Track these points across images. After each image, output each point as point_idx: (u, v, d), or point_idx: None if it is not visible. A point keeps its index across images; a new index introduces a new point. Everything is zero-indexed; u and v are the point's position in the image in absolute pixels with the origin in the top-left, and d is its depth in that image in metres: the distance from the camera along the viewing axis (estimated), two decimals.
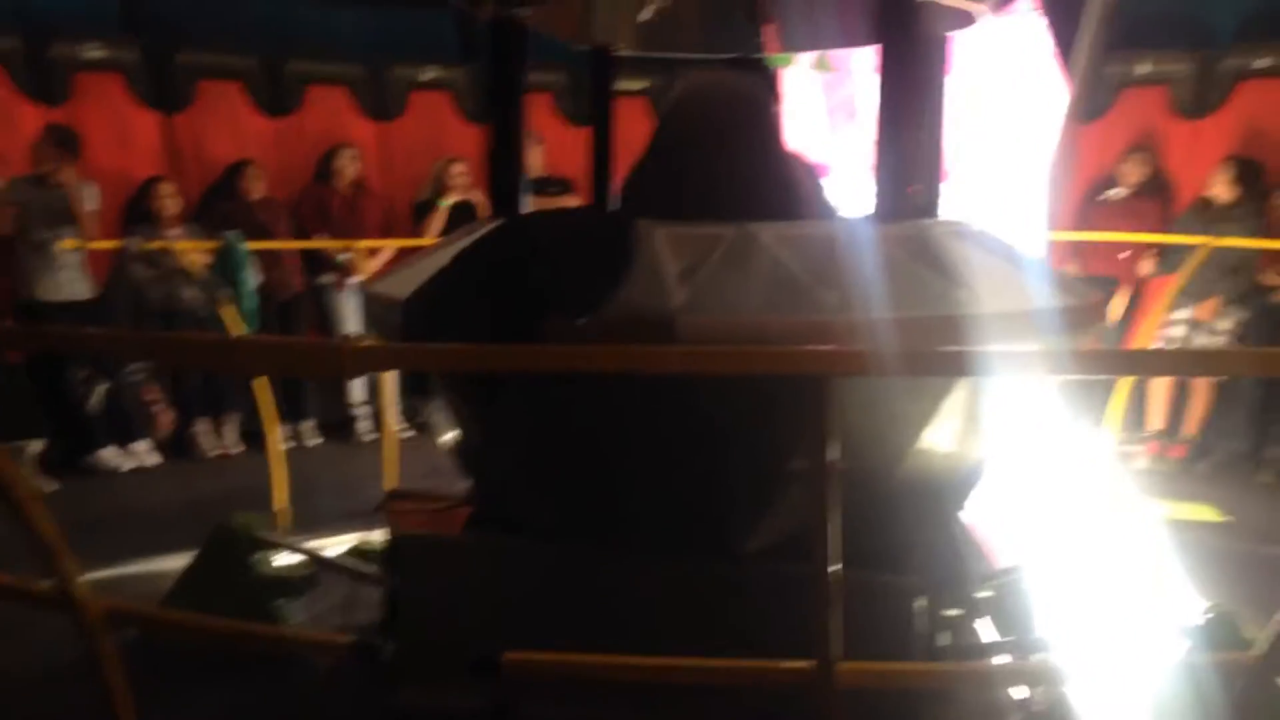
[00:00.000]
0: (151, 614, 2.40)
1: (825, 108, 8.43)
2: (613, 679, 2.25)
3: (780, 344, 2.35)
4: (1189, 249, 6.02)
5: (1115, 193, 7.21)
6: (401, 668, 2.55)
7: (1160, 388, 6.83)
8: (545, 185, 7.51)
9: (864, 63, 7.65)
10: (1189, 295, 6.48)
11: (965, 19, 3.42)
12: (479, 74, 7.98)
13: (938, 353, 2.06)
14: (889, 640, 2.64)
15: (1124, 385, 5.74)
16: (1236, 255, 6.46)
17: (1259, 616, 2.65)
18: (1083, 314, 3.10)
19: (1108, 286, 6.95)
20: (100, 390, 6.27)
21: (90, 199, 6.49)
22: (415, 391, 6.66)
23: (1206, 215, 6.69)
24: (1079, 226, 7.28)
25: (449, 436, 3.39)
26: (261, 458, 5.47)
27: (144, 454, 6.64)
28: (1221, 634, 2.67)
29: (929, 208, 3.50)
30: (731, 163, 3.12)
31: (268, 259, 6.92)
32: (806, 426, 1.85)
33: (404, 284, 3.17)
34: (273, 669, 3.13)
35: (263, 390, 5.40)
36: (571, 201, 7.37)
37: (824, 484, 1.83)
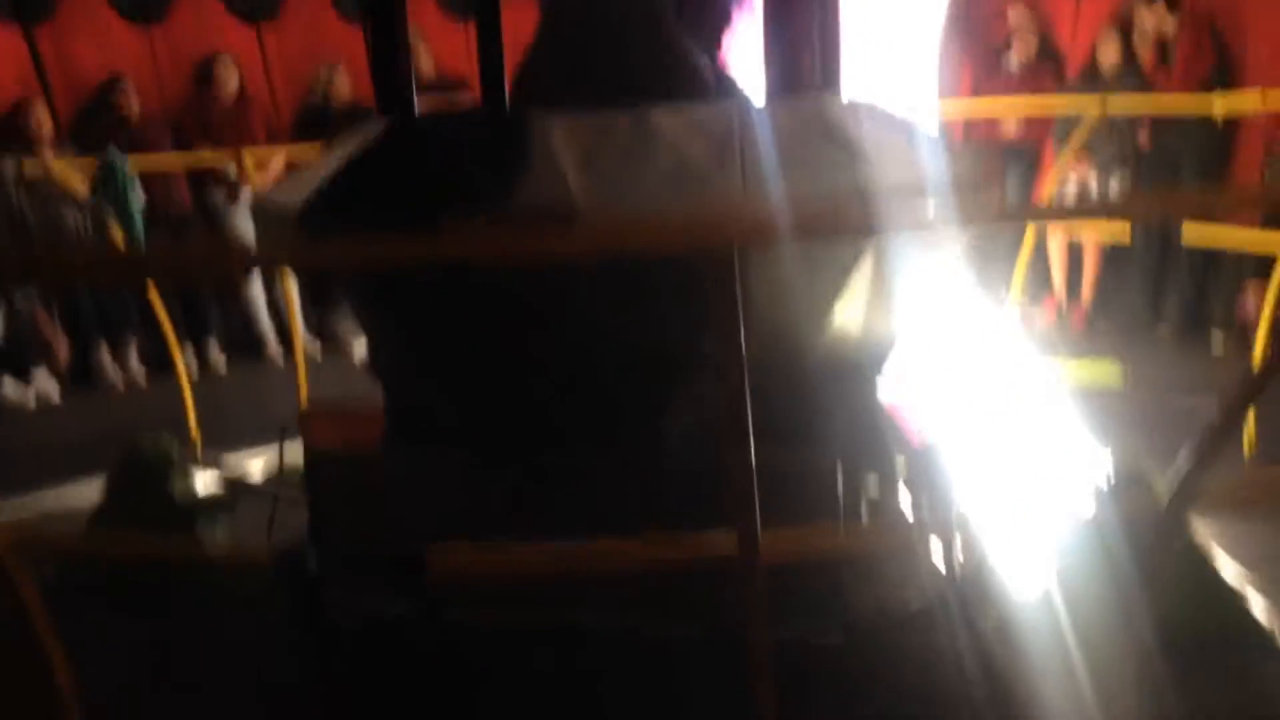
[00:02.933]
0: (64, 541, 2.34)
1: None
2: (539, 573, 2.26)
3: None
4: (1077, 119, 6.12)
5: (1009, 61, 7.30)
6: (327, 578, 2.53)
7: (1057, 253, 7.00)
8: (438, 87, 7.31)
9: None
10: (1078, 158, 6.64)
11: None
12: None
13: (839, 212, 2.06)
14: (810, 515, 2.69)
15: (1024, 252, 5.85)
16: (1120, 118, 6.58)
17: (1165, 466, 2.75)
18: (980, 181, 3.13)
19: (1016, 154, 7.08)
20: None
21: None
22: (319, 303, 6.54)
23: (1092, 81, 6.81)
24: (978, 95, 7.36)
25: (358, 347, 3.34)
26: (167, 382, 5.32)
27: (43, 382, 6.41)
28: (1129, 484, 2.76)
29: (829, 82, 3.47)
30: (622, 48, 3.06)
31: (152, 178, 6.66)
32: (716, 305, 1.84)
33: (296, 192, 3.07)
34: (196, 598, 3.08)
35: (162, 312, 5.24)
36: (466, 101, 7.20)
37: (736, 362, 1.83)
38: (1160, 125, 6.66)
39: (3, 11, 7.07)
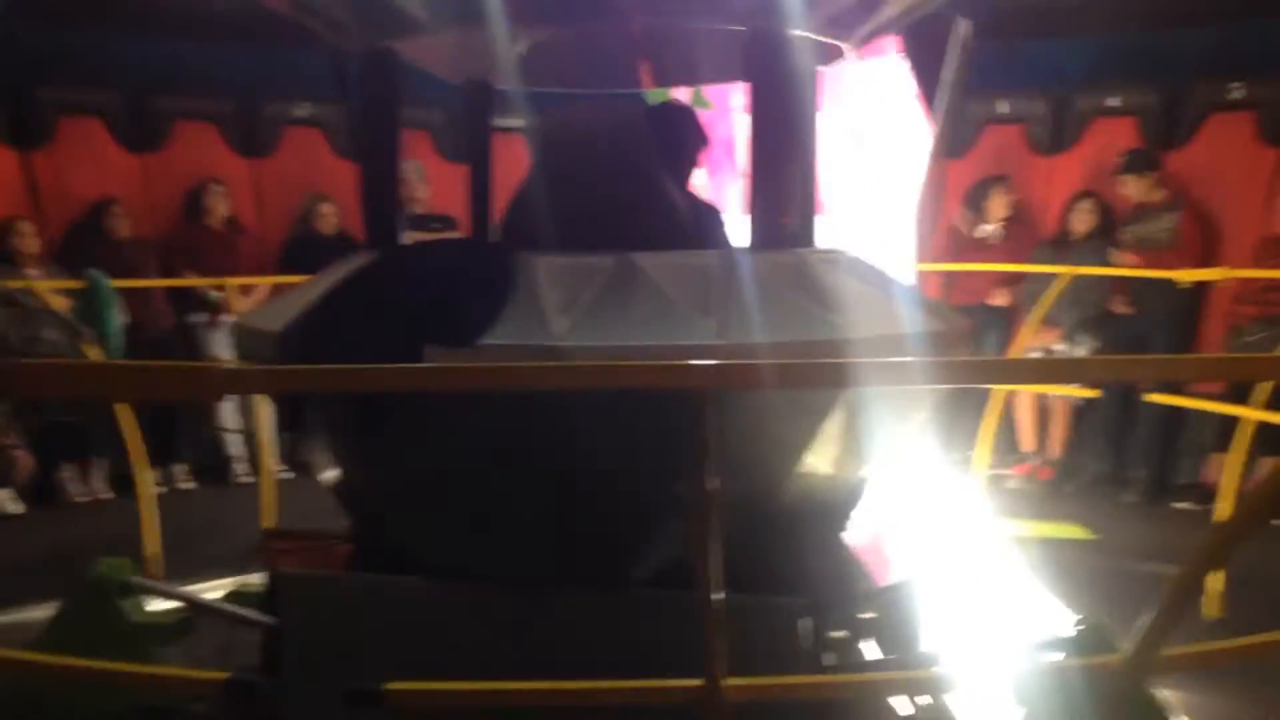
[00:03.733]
0: (13, 657, 2.29)
1: None
2: (500, 706, 2.23)
3: None
4: (1048, 281, 6.29)
5: (986, 229, 7.47)
6: (280, 703, 2.48)
7: (1026, 412, 7.09)
8: (427, 222, 7.46)
9: (741, 100, 7.82)
10: (1046, 324, 6.78)
11: (833, 53, 3.52)
12: (352, 108, 7.90)
13: (812, 364, 2.11)
14: (776, 661, 2.67)
15: (993, 410, 5.93)
16: (1084, 283, 6.76)
17: (1128, 629, 2.76)
18: (953, 338, 3.21)
19: (993, 314, 7.22)
20: None
21: None
22: (291, 428, 6.54)
23: (1061, 247, 7.01)
24: (953, 260, 7.55)
25: (328, 474, 3.33)
26: (133, 504, 5.27)
27: (5, 501, 6.34)
28: (1092, 644, 2.76)
29: (804, 238, 3.58)
30: (608, 193, 3.15)
31: (136, 299, 6.72)
32: (686, 449, 1.87)
33: (278, 316, 3.11)
34: None
35: (131, 430, 5.21)
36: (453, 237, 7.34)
37: (704, 506, 1.85)
38: (1132, 296, 6.83)
39: (3, 138, 7.22)
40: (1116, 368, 2.40)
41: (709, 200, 3.59)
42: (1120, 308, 6.83)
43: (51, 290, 6.15)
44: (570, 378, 1.93)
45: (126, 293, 6.35)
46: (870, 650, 3.17)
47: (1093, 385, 6.55)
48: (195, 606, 3.52)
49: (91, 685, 2.78)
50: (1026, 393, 7.04)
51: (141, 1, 7.73)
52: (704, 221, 3.35)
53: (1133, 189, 6.88)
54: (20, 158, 7.29)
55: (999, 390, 5.88)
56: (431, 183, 7.93)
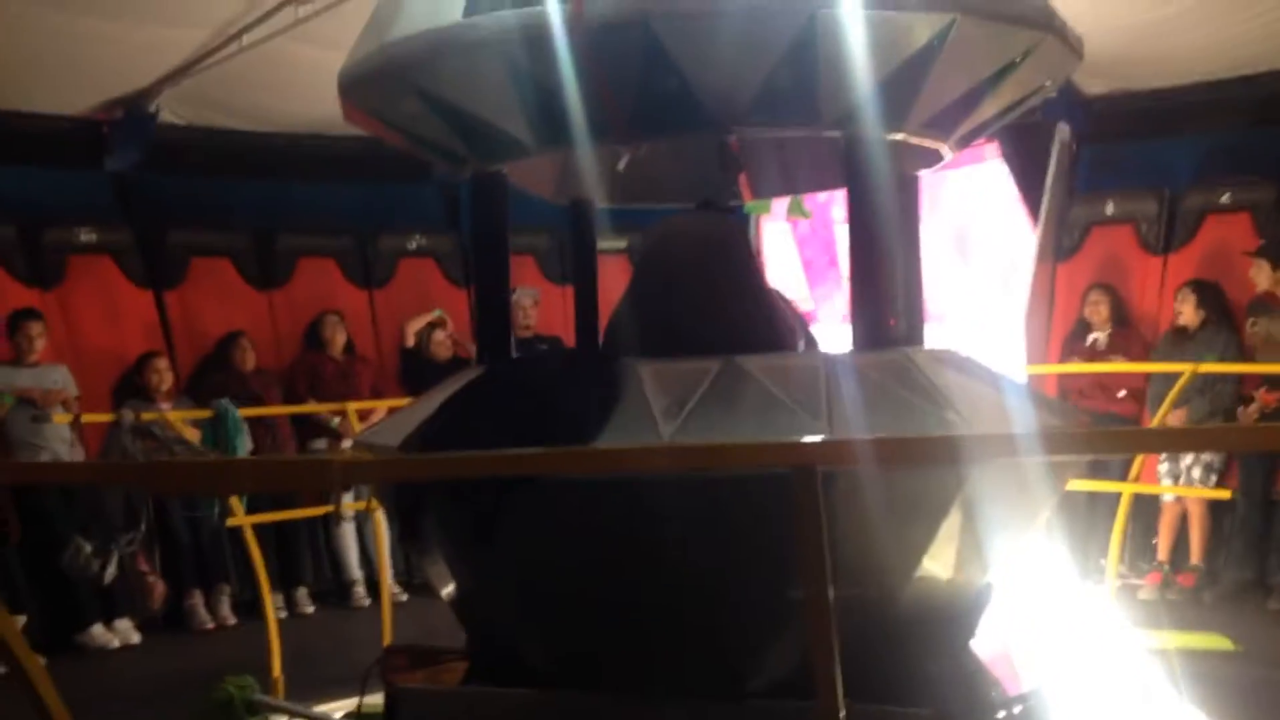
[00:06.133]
0: None
1: (802, 256, 8.64)
2: None
3: None
4: (1171, 379, 6.08)
5: (1096, 337, 7.30)
6: None
7: (1165, 516, 6.82)
8: (534, 344, 7.62)
9: (841, 209, 7.89)
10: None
11: (930, 158, 3.53)
12: (464, 237, 8.19)
13: (920, 441, 2.07)
14: None
15: (1123, 513, 5.71)
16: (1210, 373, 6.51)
17: None
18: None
19: (1105, 423, 6.99)
20: (113, 563, 6.17)
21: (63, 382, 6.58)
22: (408, 540, 6.64)
23: (1180, 341, 6.81)
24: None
25: (445, 589, 3.36)
26: (256, 628, 5.37)
27: (128, 630, 6.51)
28: None
29: (912, 340, 3.55)
30: (709, 300, 3.18)
31: (261, 428, 6.95)
32: (800, 537, 1.84)
33: (394, 433, 3.18)
34: None
35: (257, 553, 5.35)
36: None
37: (822, 606, 1.81)
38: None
39: (137, 279, 7.65)
40: (1244, 438, 2.31)
41: (795, 305, 3.61)
42: (1263, 401, 6.52)
43: (183, 421, 6.40)
44: (678, 458, 1.94)
45: (252, 421, 6.59)
46: None
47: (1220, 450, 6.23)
48: None
49: None
50: (1164, 496, 6.78)
51: (263, 147, 8.18)
52: (798, 325, 3.36)
53: (1262, 278, 6.66)
54: (154, 299, 7.68)
55: (1127, 493, 5.67)
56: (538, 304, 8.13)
